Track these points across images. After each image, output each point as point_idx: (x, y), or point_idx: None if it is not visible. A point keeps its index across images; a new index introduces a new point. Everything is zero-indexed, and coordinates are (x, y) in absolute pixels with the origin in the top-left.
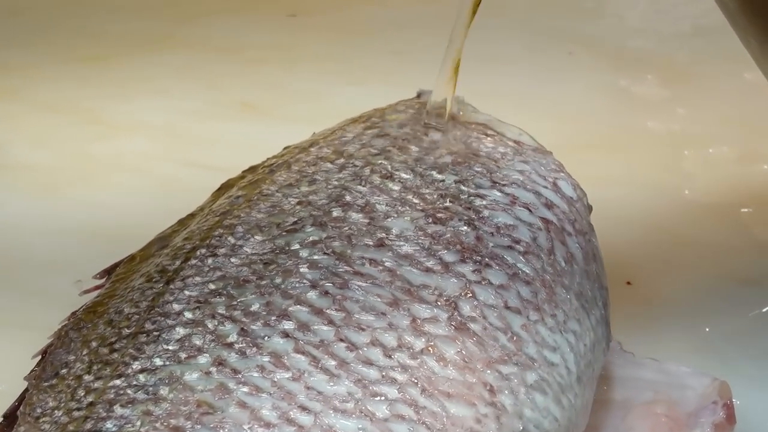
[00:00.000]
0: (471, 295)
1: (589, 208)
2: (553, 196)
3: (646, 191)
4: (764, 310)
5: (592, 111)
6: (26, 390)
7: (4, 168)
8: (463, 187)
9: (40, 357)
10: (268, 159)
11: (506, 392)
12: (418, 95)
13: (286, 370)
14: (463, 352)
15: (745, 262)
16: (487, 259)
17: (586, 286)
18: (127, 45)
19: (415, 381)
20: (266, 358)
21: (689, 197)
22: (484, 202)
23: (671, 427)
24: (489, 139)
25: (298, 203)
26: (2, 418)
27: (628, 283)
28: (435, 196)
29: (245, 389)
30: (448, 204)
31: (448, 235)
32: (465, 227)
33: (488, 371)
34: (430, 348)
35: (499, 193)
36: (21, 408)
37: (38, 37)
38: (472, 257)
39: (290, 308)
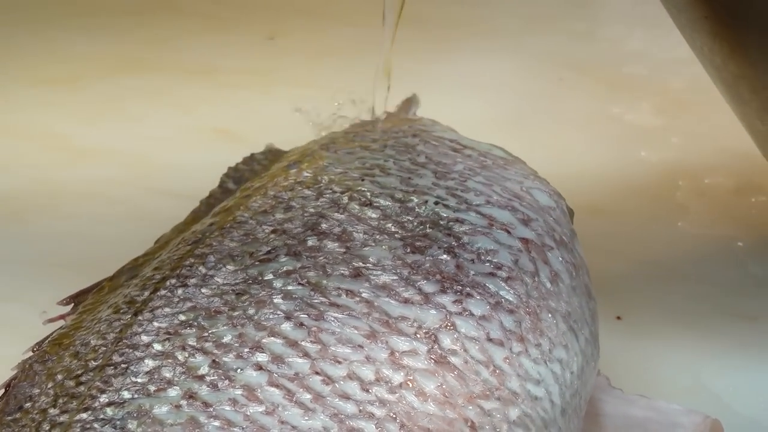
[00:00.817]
0: (452, 327)
1: (570, 212)
2: (528, 210)
3: (639, 222)
4: (759, 346)
5: (583, 139)
6: None
7: None
8: (442, 213)
9: (3, 390)
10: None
11: (488, 428)
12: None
13: (259, 403)
14: (444, 387)
15: (740, 296)
16: (468, 289)
17: (574, 303)
18: (97, 68)
19: (394, 416)
20: (239, 391)
21: (683, 229)
22: (463, 228)
23: None
24: (461, 156)
25: (273, 231)
26: None
27: (618, 317)
28: (414, 223)
29: (217, 423)
30: (427, 231)
31: (428, 265)
32: (445, 255)
33: (469, 407)
34: (409, 382)
35: (475, 215)
36: None
37: (4, 58)
38: (452, 287)
39: (264, 340)
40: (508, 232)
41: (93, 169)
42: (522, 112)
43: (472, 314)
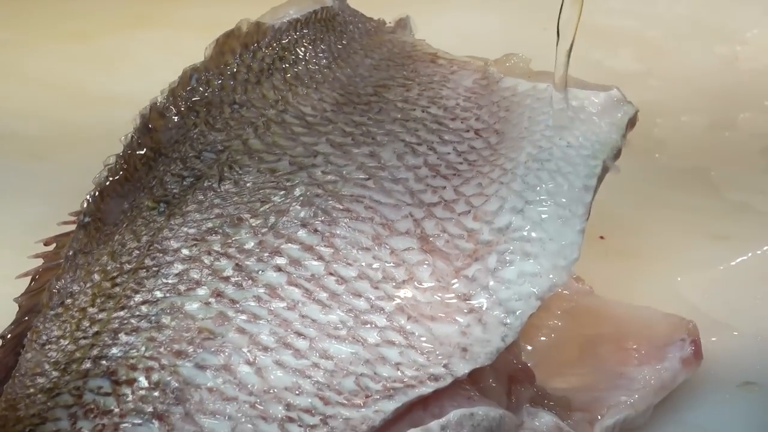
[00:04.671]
0: (431, 215)
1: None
2: (479, 99)
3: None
4: (732, 263)
5: None
6: (20, 310)
7: None
8: (426, 121)
9: (30, 278)
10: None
11: (478, 290)
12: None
13: (281, 300)
14: (435, 273)
15: (713, 219)
16: (439, 179)
17: (510, 119)
18: (111, 23)
19: (401, 309)
20: (262, 290)
21: (661, 161)
22: (441, 129)
23: (640, 360)
24: (437, 66)
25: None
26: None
27: (601, 237)
28: (408, 128)
29: (244, 317)
30: (414, 137)
31: (417, 162)
32: (428, 157)
33: (457, 281)
34: (409, 277)
35: (450, 118)
36: (28, 335)
37: (24, 15)
38: (432, 183)
39: (282, 246)
40: (468, 124)
41: (108, 113)
42: None
43: (444, 199)
